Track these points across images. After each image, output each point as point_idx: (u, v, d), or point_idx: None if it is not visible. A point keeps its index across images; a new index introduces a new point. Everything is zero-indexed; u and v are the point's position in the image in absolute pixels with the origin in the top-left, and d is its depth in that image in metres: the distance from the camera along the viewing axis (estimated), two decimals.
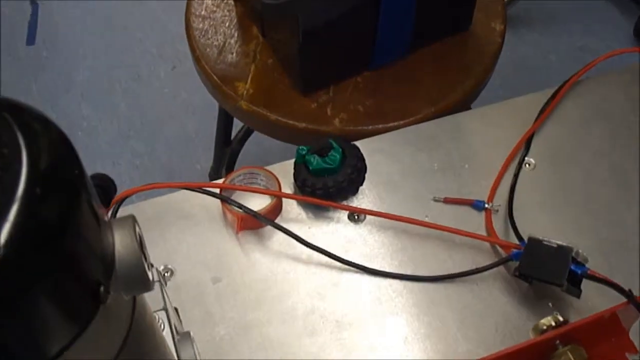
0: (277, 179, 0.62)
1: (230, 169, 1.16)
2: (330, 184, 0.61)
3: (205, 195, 0.60)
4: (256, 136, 1.15)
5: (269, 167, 0.63)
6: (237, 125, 1.15)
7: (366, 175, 0.64)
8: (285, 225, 0.59)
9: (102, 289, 0.23)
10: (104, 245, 0.24)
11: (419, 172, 0.66)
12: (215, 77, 0.79)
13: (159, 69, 1.63)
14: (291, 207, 0.63)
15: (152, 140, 1.48)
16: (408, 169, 0.66)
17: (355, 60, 0.79)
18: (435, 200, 0.64)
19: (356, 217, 0.63)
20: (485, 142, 0.68)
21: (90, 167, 0.23)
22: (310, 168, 0.61)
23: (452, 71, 0.80)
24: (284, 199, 0.62)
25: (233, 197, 0.61)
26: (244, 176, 0.63)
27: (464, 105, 0.79)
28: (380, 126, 0.75)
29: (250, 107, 0.77)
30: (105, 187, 0.27)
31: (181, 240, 0.61)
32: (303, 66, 0.74)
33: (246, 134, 1.19)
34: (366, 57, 0.79)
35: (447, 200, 0.63)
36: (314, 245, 0.59)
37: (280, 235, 0.60)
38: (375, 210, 0.62)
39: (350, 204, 0.63)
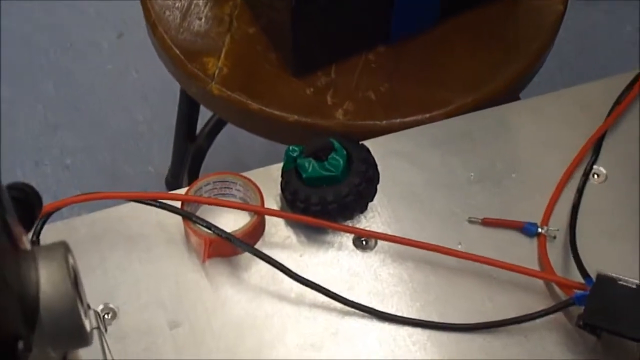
0: (258, 190, 0.62)
1: (194, 174, 1.16)
2: (330, 197, 0.61)
3: (161, 210, 0.60)
4: (231, 131, 1.14)
5: (247, 174, 0.64)
6: (205, 115, 1.15)
7: (379, 187, 0.64)
8: (268, 253, 0.60)
9: (20, 344, 0.22)
10: (25, 285, 0.23)
11: (450, 183, 0.66)
12: (176, 50, 0.80)
13: (100, 38, 1.61)
14: (277, 228, 0.63)
15: (89, 133, 1.48)
16: (435, 178, 0.67)
17: (367, 30, 0.79)
18: (471, 221, 0.64)
19: (364, 242, 0.63)
20: (539, 145, 0.69)
21: (5, 167, 0.22)
22: (304, 176, 0.61)
23: (495, 48, 0.80)
24: (267, 217, 0.63)
25: (199, 213, 0.62)
26: (213, 185, 0.63)
27: (510, 94, 0.79)
28: (398, 121, 0.75)
29: (224, 92, 0.77)
30: (27, 202, 0.27)
31: (127, 270, 0.61)
32: (296, 37, 0.74)
33: (217, 127, 1.19)
34: (381, 27, 0.79)
35: (487, 222, 0.64)
36: (307, 280, 0.59)
37: (262, 265, 0.60)
38: (391, 234, 0.62)
39: (357, 225, 0.64)
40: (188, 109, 1.10)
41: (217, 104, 0.78)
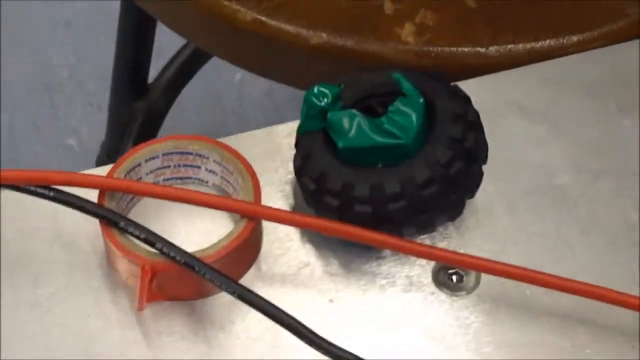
0: (250, 171, 0.60)
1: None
2: (392, 188, 0.57)
3: (60, 207, 0.57)
4: (210, 74, 1.14)
5: (230, 140, 0.62)
6: (164, 49, 1.13)
7: (485, 170, 0.61)
8: (267, 295, 0.56)
9: None
10: None
11: (624, 166, 0.63)
12: None
13: None
14: (285, 246, 0.61)
15: None
16: (598, 157, 0.64)
17: None
18: None
19: (456, 278, 0.60)
20: None
21: None
22: (341, 145, 0.59)
23: None
24: (266, 224, 0.60)
25: (136, 213, 0.61)
26: (164, 160, 0.61)
27: None
28: (521, 47, 0.73)
29: None
30: None
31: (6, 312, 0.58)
32: None
33: (185, 69, 1.19)
34: None
35: None
36: (345, 351, 0.54)
37: (254, 318, 0.57)
38: (508, 263, 0.58)
39: (442, 244, 0.61)
40: (134, 35, 1.10)
41: (180, 13, 0.77)
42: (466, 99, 0.59)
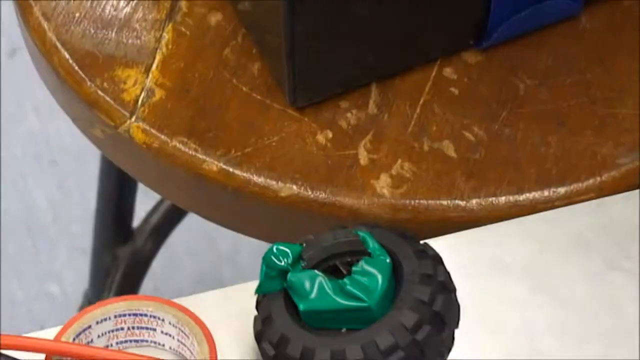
0: (206, 333, 0.60)
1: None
2: (355, 355, 0.56)
3: None
4: (196, 222, 1.16)
5: (187, 301, 0.62)
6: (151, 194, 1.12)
7: (458, 335, 0.59)
8: None
9: None
10: None
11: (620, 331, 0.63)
12: (65, 52, 0.79)
13: None
14: None
15: None
16: (587, 317, 0.64)
17: (439, 19, 0.79)
18: None
19: None
20: None
21: None
22: (302, 308, 0.59)
23: None
24: None
25: None
26: (116, 322, 0.61)
27: None
28: (504, 199, 0.73)
29: (154, 138, 0.75)
30: None
31: None
32: (294, 27, 0.72)
33: (176, 207, 1.18)
34: (469, 12, 0.79)
35: None
36: None
37: None
38: None
39: None
40: (116, 181, 1.12)
41: (144, 163, 0.77)
42: (436, 259, 0.59)
